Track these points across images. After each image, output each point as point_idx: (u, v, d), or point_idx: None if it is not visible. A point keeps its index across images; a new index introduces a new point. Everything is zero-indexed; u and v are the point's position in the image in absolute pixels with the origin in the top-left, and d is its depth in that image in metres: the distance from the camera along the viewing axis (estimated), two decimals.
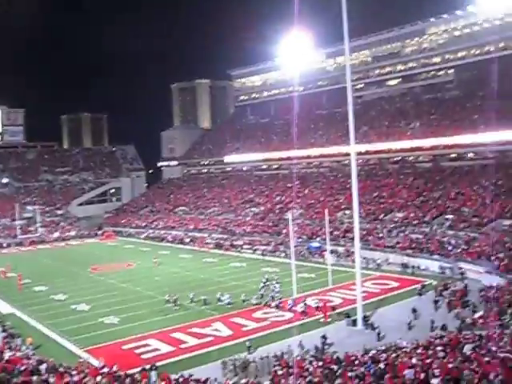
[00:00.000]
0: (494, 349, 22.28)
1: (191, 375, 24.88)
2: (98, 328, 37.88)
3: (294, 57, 79.49)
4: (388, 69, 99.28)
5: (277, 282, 44.17)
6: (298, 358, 26.97)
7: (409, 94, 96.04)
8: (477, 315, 33.17)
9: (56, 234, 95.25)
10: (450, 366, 19.96)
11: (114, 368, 25.05)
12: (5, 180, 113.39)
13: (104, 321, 39.54)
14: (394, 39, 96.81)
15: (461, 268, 47.67)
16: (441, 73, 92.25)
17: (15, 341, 33.11)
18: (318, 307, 37.86)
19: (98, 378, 21.76)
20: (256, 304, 40.90)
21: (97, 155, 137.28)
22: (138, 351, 32.28)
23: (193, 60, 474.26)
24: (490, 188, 61.36)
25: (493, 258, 45.67)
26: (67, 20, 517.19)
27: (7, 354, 25.73)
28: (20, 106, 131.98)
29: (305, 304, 38.68)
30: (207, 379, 24.65)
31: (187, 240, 79.97)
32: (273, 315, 38.52)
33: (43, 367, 23.69)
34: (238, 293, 43.74)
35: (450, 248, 51.80)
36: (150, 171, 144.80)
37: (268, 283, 44.60)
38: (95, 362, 28.29)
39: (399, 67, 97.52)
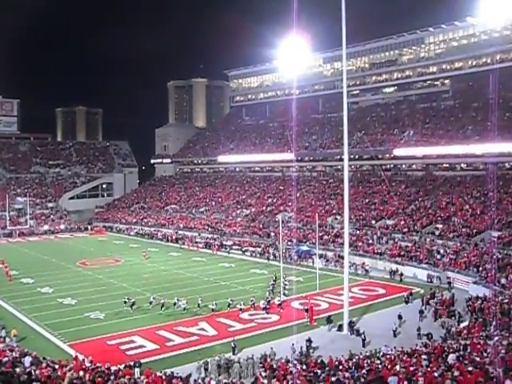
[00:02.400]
0: (477, 359, 22.43)
1: (173, 373, 24.84)
2: (83, 323, 37.80)
3: (292, 60, 79.55)
4: (384, 76, 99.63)
5: (286, 280, 45.44)
6: (283, 360, 27.02)
7: (404, 101, 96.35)
8: (462, 325, 33.35)
9: (46, 227, 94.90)
10: (434, 374, 20.08)
11: (98, 364, 24.99)
12: None
13: (90, 315, 39.47)
14: (391, 47, 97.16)
15: (448, 277, 47.91)
16: (437, 82, 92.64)
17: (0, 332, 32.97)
18: (306, 310, 37.82)
19: (81, 373, 21.68)
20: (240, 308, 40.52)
21: (90, 149, 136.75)
22: (123, 347, 32.22)
23: (190, 59, 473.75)
24: (480, 199, 61.81)
25: (481, 268, 45.92)
26: (68, 13, 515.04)
27: None
28: (15, 96, 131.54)
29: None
30: (189, 375, 24.66)
31: (177, 238, 79.81)
32: (259, 317, 38.51)
33: (27, 359, 23.60)
34: (225, 293, 43.66)
35: (438, 257, 52.02)
36: (143, 168, 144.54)
37: (278, 281, 45.73)
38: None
39: (396, 75, 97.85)
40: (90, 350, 31.32)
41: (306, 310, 37.62)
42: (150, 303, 41.42)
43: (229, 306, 40.21)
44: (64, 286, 49.52)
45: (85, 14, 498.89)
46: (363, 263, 55.11)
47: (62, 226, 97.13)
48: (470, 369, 20.33)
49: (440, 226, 59.59)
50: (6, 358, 22.31)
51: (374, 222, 66.17)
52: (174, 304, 40.83)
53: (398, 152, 77.91)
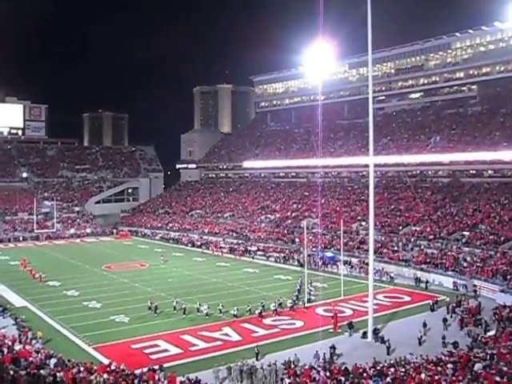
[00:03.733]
0: (504, 369, 22.06)
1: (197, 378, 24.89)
2: (108, 326, 38.08)
3: (317, 66, 79.32)
4: (410, 82, 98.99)
5: (311, 285, 45.94)
6: (306, 367, 26.88)
7: (430, 107, 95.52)
8: (489, 334, 32.87)
9: (72, 231, 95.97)
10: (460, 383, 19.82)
11: (122, 366, 25.14)
12: (25, 174, 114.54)
13: (115, 319, 39.72)
14: (417, 52, 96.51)
15: (475, 285, 47.26)
16: (464, 88, 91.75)
17: (26, 334, 33.33)
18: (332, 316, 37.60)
19: (105, 376, 21.84)
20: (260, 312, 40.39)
21: (116, 154, 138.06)
22: (147, 351, 32.33)
23: (216, 65, 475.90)
24: (508, 206, 60.92)
25: (508, 277, 45.25)
26: (93, 20, 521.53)
27: (17, 347, 25.96)
28: (43, 101, 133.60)
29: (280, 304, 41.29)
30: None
31: (201, 243, 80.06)
32: (283, 323, 38.41)
33: (52, 361, 23.86)
34: (246, 300, 43.39)
35: (464, 265, 51.35)
36: (169, 173, 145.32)
37: (303, 286, 45.84)
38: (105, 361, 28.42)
39: (422, 81, 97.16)
40: (115, 353, 31.51)
41: (333, 317, 37.42)
42: (174, 308, 41.57)
43: (249, 311, 40.35)
44: (89, 290, 49.97)
45: (111, 20, 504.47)
46: (382, 268, 54.76)
47: (88, 230, 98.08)
48: (497, 379, 20.05)
49: (467, 233, 58.81)
50: (31, 359, 22.57)
51: (399, 228, 65.63)
52: (197, 309, 40.90)
53: (424, 158, 77.28)
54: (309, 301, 43.69)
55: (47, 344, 32.48)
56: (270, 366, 27.75)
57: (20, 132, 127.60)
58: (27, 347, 27.70)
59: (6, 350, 24.12)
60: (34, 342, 31.69)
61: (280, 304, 41.86)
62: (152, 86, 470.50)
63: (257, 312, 39.83)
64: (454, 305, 40.54)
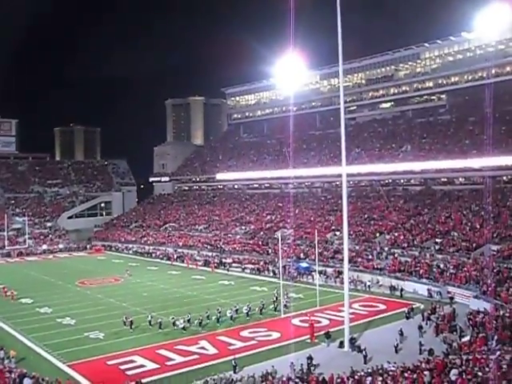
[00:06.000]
0: (479, 374, 22.27)
1: None
2: (82, 343, 37.59)
3: (289, 77, 79.85)
4: (381, 92, 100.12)
5: (287, 295, 46.88)
6: (284, 378, 26.80)
7: (401, 117, 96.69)
8: (464, 340, 33.15)
9: (44, 246, 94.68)
10: None
11: None
12: None
13: (89, 335, 39.23)
14: (387, 63, 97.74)
15: (449, 292, 47.71)
16: (433, 97, 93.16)
17: None
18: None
19: None
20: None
21: (88, 168, 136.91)
22: (122, 367, 31.98)
23: (188, 77, 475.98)
24: (479, 213, 61.77)
25: (481, 282, 45.74)
26: (66, 33, 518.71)
27: None
28: (13, 116, 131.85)
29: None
30: None
31: (176, 256, 79.59)
32: (260, 334, 38.34)
33: (26, 381, 23.43)
34: (224, 311, 43.51)
35: (438, 272, 51.81)
36: (142, 186, 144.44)
37: (279, 297, 46.58)
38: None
39: (392, 90, 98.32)
40: (90, 370, 31.12)
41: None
42: (149, 322, 41.22)
43: (218, 320, 41.62)
44: (63, 306, 49.30)
45: (85, 34, 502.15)
46: (357, 276, 55.08)
47: (61, 246, 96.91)
48: None
49: (439, 240, 59.45)
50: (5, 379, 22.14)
51: (373, 237, 66.08)
52: (173, 324, 40.64)
53: (395, 167, 78.05)
54: (285, 307, 44.23)
55: (21, 363, 31.92)
56: (247, 378, 27.63)
57: None
58: None
59: None
60: (6, 361, 31.10)
61: (236, 310, 43.27)
62: (124, 99, 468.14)
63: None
64: (429, 312, 40.84)
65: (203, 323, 40.69)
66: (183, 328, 39.79)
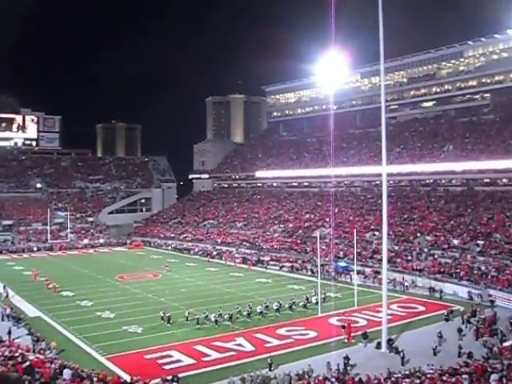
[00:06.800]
0: None
1: None
2: (121, 336, 38.08)
3: (329, 75, 79.31)
4: (423, 90, 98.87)
5: (324, 294, 47.64)
6: (320, 378, 26.68)
7: (443, 116, 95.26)
8: (505, 344, 32.47)
9: (85, 241, 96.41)
10: None
11: (135, 378, 25.09)
12: (38, 185, 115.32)
13: (127, 329, 39.71)
14: (430, 61, 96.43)
15: (490, 295, 46.79)
16: (477, 96, 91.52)
17: (40, 344, 33.40)
18: (343, 326, 37.41)
19: None
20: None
21: (129, 165, 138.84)
22: (160, 362, 32.27)
23: (228, 75, 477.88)
24: None
25: None
26: (106, 31, 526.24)
27: (31, 357, 25.96)
28: (57, 113, 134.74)
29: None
30: None
31: (215, 253, 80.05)
32: (296, 333, 38.24)
33: (66, 372, 23.83)
34: (255, 307, 43.81)
35: (479, 274, 50.85)
36: (181, 183, 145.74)
37: (312, 296, 47.31)
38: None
39: (434, 89, 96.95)
40: (128, 363, 31.51)
41: (343, 327, 37.20)
42: (187, 318, 41.58)
43: (249, 315, 42.16)
44: (102, 300, 50.06)
45: (125, 31, 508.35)
46: (402, 278, 54.47)
47: (102, 240, 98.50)
48: None
49: (481, 242, 58.35)
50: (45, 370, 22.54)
51: (413, 237, 65.26)
52: (206, 317, 41.10)
53: (437, 167, 76.90)
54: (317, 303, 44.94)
55: (61, 354, 32.52)
56: (283, 377, 27.58)
57: (34, 143, 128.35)
58: (41, 357, 27.70)
59: (20, 360, 24.12)
60: (47, 352, 31.73)
61: (267, 307, 43.91)
62: (165, 96, 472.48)
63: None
64: (469, 315, 40.14)
65: (233, 318, 41.35)
66: (216, 322, 40.18)
